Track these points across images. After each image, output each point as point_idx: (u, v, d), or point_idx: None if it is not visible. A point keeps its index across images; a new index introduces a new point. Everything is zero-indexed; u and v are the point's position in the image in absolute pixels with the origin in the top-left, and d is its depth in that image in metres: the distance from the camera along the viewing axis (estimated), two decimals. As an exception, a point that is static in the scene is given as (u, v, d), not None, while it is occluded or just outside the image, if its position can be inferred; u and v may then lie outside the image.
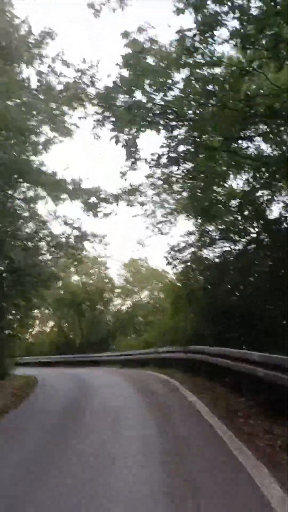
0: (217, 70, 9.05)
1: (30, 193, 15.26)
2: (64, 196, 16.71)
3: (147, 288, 29.53)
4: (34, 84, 12.78)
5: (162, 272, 30.40)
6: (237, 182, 12.27)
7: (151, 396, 8.59)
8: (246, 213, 12.19)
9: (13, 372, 18.98)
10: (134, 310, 28.33)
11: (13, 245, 12.72)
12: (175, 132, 10.09)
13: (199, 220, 12.86)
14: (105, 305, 31.42)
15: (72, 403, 8.95)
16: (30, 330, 22.57)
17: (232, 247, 12.65)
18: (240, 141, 10.44)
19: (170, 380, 11.52)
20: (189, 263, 13.26)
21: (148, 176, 12.44)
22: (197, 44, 7.89)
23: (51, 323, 34.54)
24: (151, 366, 17.45)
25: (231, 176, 12.12)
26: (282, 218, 11.50)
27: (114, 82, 9.48)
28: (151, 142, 11.72)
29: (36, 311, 23.52)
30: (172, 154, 10.39)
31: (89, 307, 30.16)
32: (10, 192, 13.70)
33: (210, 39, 7.69)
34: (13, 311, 18.17)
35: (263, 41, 7.29)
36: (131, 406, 7.52)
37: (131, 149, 10.30)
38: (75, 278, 31.57)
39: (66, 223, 17.96)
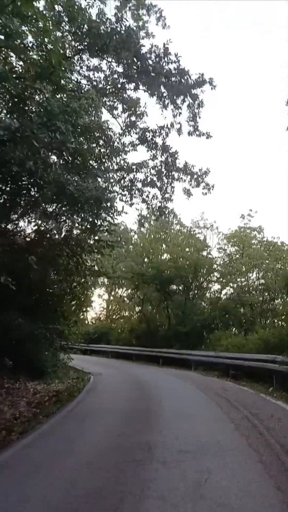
0: None
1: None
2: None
3: (261, 268, 21.35)
4: None
5: (282, 246, 22.10)
6: None
7: None
8: None
9: (64, 366, 13.38)
10: (240, 296, 20.52)
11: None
12: None
13: None
14: (200, 289, 24.13)
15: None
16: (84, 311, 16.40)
17: None
18: None
19: None
20: None
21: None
22: None
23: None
24: (273, 383, 10.01)
25: None
26: None
27: None
28: None
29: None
30: None
31: (179, 288, 23.22)
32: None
33: None
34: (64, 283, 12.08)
35: None
36: None
37: None
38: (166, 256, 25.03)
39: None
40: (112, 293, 41.57)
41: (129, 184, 12.79)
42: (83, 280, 12.39)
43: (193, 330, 20.19)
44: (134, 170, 12.62)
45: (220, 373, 14.59)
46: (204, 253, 23.59)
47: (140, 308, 26.69)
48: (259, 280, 22.16)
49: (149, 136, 10.86)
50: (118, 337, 26.84)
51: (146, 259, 24.43)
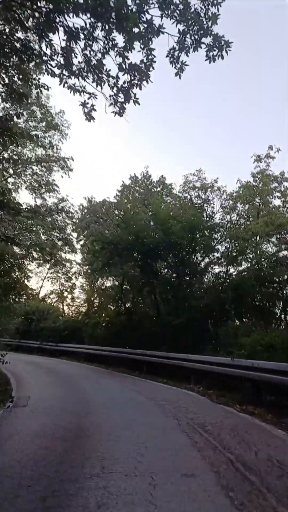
0: None
1: None
2: None
3: (286, 229, 14.68)
4: None
5: None
6: None
7: None
8: None
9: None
10: (263, 270, 13.90)
11: None
12: None
13: None
14: (197, 272, 17.42)
15: None
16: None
17: None
18: None
19: None
20: None
21: None
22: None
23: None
24: None
25: None
26: None
27: None
28: None
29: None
30: None
31: (168, 260, 16.57)
32: None
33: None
34: None
35: None
36: None
37: None
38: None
39: None
40: (97, 283, 34.88)
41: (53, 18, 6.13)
42: None
43: (190, 322, 13.60)
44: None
45: (241, 395, 8.07)
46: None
47: (118, 294, 20.02)
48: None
49: None
50: (93, 334, 20.19)
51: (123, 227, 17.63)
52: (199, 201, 18.67)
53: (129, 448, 4.60)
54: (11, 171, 19.25)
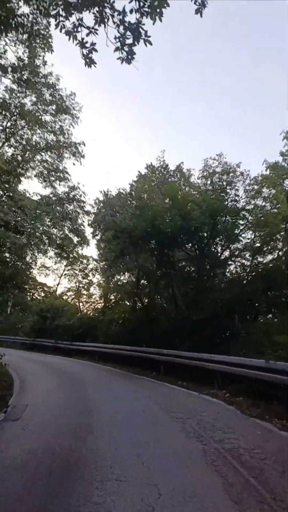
0: None
1: None
2: None
3: None
4: None
5: None
6: None
7: None
8: None
9: None
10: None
11: None
12: None
13: None
14: (218, 263, 15.80)
15: None
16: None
17: None
18: None
19: None
20: None
21: None
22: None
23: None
24: None
25: None
26: None
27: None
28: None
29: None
30: None
31: (187, 249, 15.05)
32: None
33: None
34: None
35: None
36: None
37: None
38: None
39: None
40: (113, 278, 33.60)
41: None
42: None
43: (212, 317, 12.08)
44: None
45: (280, 407, 6.58)
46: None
47: (134, 290, 18.64)
48: None
49: None
50: (107, 332, 18.90)
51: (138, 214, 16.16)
52: (220, 183, 17.07)
53: (136, 494, 3.22)
54: (19, 158, 18.15)
